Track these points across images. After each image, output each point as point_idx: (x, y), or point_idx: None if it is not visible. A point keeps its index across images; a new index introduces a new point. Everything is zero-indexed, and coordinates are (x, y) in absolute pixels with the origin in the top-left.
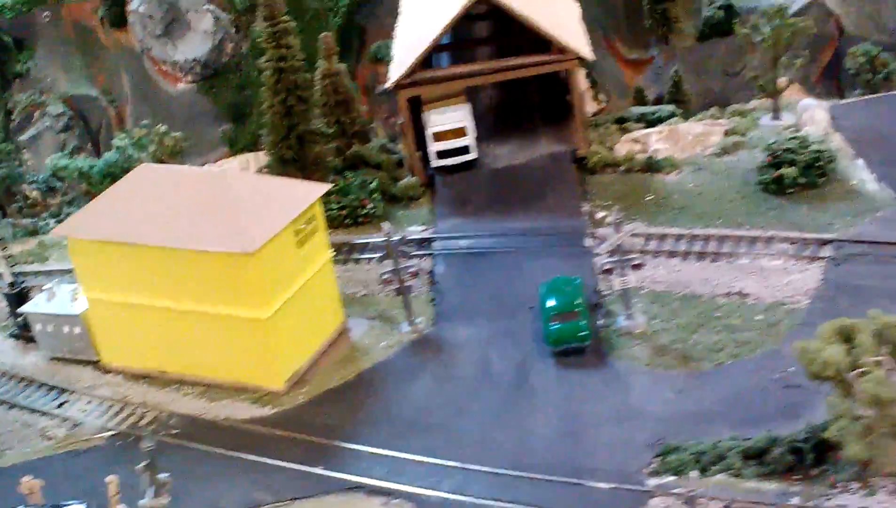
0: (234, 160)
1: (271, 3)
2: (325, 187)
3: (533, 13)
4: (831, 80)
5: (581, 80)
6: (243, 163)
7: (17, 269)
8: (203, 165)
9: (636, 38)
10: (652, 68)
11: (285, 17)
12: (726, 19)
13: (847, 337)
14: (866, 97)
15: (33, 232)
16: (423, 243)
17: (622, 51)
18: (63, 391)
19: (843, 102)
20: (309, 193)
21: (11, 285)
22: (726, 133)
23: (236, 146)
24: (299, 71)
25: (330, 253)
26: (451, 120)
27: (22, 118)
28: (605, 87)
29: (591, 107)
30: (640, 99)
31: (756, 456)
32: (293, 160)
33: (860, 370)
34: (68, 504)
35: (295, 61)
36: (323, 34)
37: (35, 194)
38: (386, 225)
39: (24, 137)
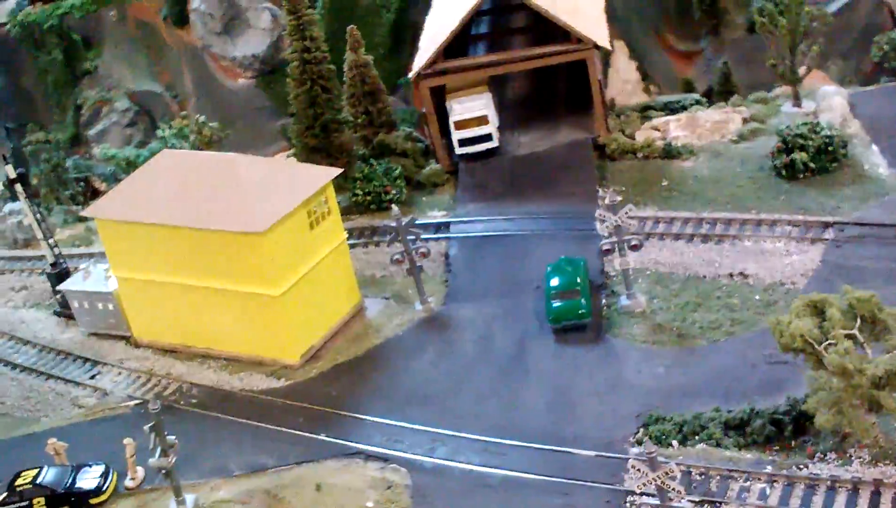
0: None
1: None
2: (336, 172)
3: (552, 3)
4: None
5: (599, 68)
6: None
7: (58, 251)
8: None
9: (686, 30)
10: (702, 60)
11: (309, 11)
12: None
13: (820, 311)
14: (887, 85)
15: (82, 219)
16: (441, 227)
17: (672, 42)
18: (95, 363)
19: (864, 89)
20: (320, 177)
21: (53, 264)
22: (745, 120)
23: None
24: (323, 62)
25: (344, 235)
26: (472, 109)
27: (90, 113)
28: (654, 79)
29: (640, 98)
30: (689, 91)
31: (737, 427)
32: (319, 148)
33: (828, 342)
34: (91, 466)
35: (318, 53)
36: (349, 27)
37: (103, 185)
38: (394, 208)
39: (92, 132)
